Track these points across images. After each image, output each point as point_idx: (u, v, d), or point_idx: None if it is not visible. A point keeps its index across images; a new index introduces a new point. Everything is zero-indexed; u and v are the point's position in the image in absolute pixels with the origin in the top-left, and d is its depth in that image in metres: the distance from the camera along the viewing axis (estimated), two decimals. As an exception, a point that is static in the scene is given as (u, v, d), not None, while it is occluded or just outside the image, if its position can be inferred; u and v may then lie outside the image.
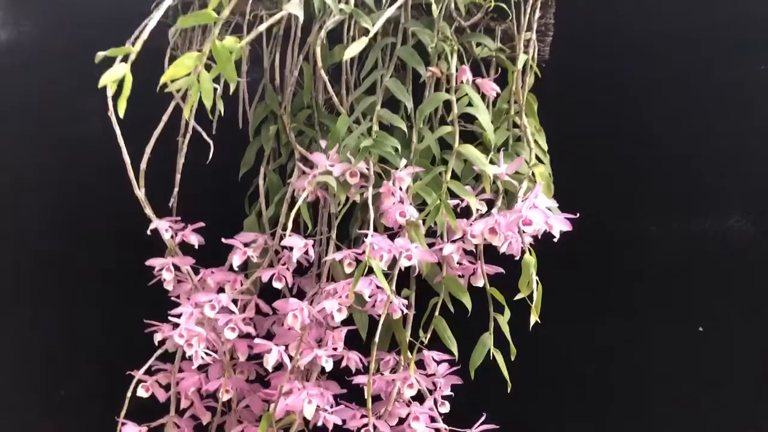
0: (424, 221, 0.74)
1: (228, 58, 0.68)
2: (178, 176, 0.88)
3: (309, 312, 0.73)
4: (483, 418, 0.79)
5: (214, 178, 0.92)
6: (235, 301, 0.78)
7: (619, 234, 0.94)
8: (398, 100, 0.80)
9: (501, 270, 0.78)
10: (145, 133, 0.79)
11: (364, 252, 0.73)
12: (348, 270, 0.75)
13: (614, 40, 0.96)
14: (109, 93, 0.68)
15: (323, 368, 0.75)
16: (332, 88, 0.88)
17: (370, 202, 0.73)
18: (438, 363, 0.79)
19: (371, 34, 0.74)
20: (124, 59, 0.65)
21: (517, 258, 0.75)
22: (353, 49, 0.72)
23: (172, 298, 0.82)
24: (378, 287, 0.73)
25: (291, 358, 0.75)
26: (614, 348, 0.94)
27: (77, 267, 1.00)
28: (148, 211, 0.82)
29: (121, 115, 0.66)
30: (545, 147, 0.87)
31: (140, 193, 0.81)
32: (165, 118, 0.83)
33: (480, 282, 0.79)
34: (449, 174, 0.73)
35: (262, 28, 0.72)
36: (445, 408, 0.80)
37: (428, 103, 0.75)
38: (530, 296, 0.71)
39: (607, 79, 0.96)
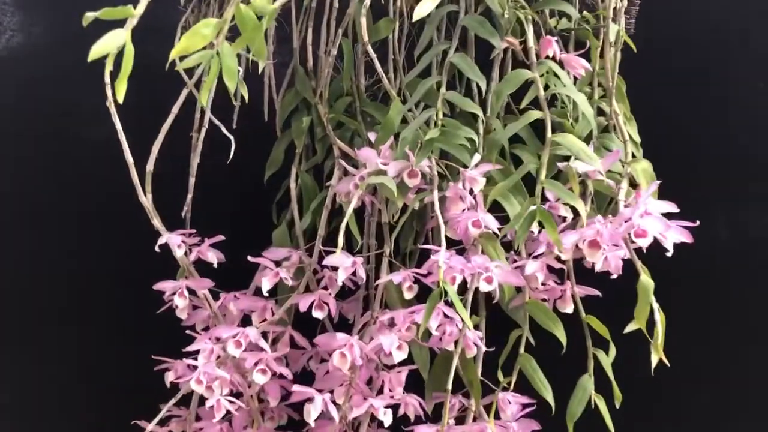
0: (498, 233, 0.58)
1: (257, 26, 0.53)
2: (192, 180, 0.73)
3: (360, 350, 0.58)
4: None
5: (234, 181, 0.77)
6: (264, 335, 0.63)
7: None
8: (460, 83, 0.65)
9: (597, 292, 0.63)
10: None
11: (428, 273, 0.58)
12: (408, 295, 0.60)
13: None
14: (107, 70, 0.52)
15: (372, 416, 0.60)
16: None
17: (437, 207, 0.57)
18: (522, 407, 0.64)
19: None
20: (123, 25, 0.50)
21: (614, 277, 0.59)
22: (426, 6, 0.56)
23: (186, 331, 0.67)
24: (446, 316, 0.58)
25: (337, 406, 0.60)
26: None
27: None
28: (156, 222, 0.67)
29: (121, 99, 0.51)
30: (638, 139, 0.72)
31: (146, 200, 0.66)
32: (175, 109, 0.69)
33: (569, 308, 0.63)
34: (544, 173, 0.57)
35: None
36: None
37: (507, 83, 0.59)
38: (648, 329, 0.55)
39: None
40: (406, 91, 0.69)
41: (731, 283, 0.81)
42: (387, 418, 0.58)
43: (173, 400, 0.64)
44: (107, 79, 0.65)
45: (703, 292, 0.80)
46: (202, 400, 0.67)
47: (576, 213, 0.63)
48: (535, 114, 0.59)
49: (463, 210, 0.59)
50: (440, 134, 0.57)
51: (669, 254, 0.58)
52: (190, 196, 0.72)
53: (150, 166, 0.67)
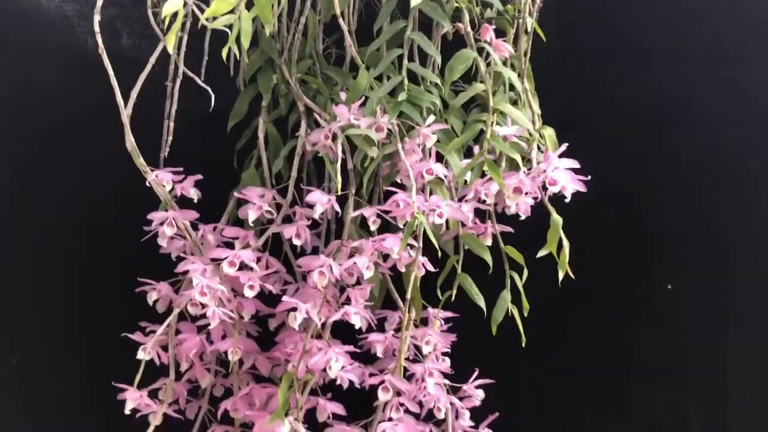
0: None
1: (267, 0, 0.64)
2: (170, 123, 0.82)
3: (336, 270, 0.71)
4: (476, 373, 0.81)
5: (198, 127, 0.87)
6: (246, 259, 0.74)
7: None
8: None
9: (510, 229, 0.80)
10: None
11: (388, 210, 0.72)
12: (372, 227, 0.73)
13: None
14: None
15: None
16: (330, 37, 0.86)
17: (402, 155, 0.71)
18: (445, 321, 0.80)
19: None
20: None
21: (523, 218, 0.77)
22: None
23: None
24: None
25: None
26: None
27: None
28: (141, 161, 0.76)
29: (171, 50, 0.61)
30: (539, 111, 0.89)
31: (130, 140, 0.75)
32: (152, 59, 0.78)
33: (489, 241, 0.80)
34: (489, 130, 0.73)
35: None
36: (446, 364, 0.81)
37: (457, 60, 0.74)
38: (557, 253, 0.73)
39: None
40: (360, 58, 0.82)
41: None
42: (358, 322, 0.72)
43: (170, 318, 0.74)
44: (96, 27, 0.74)
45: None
46: (181, 316, 0.77)
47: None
48: (480, 86, 0.75)
49: (417, 160, 0.74)
50: (407, 97, 0.71)
51: (567, 200, 0.76)
52: (169, 138, 0.81)
53: (129, 110, 0.76)
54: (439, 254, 0.74)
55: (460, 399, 0.81)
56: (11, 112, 0.92)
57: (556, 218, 0.73)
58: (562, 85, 0.93)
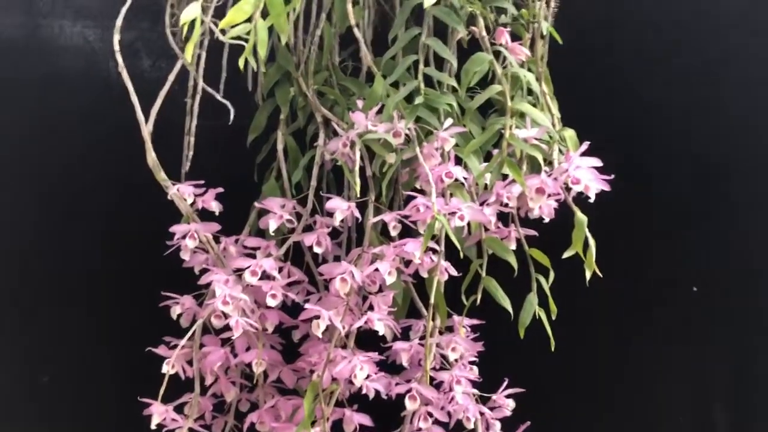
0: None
1: (282, 9, 0.65)
2: (191, 139, 0.83)
3: (358, 276, 0.71)
4: (506, 383, 0.80)
5: (218, 144, 0.88)
6: (268, 269, 0.74)
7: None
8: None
9: (534, 232, 0.79)
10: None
11: (408, 215, 0.72)
12: (393, 233, 0.73)
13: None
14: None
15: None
16: (346, 50, 0.87)
17: (421, 160, 0.71)
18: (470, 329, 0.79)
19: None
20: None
21: (547, 221, 0.76)
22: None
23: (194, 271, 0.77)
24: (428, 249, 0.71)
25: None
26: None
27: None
28: (162, 175, 0.77)
29: (189, 59, 0.61)
30: (558, 115, 0.89)
31: (152, 156, 0.75)
32: (172, 77, 0.79)
33: (513, 245, 0.79)
34: (508, 132, 0.72)
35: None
36: (473, 373, 0.79)
37: (473, 63, 0.74)
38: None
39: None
40: (376, 68, 0.82)
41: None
42: (381, 329, 0.71)
43: (192, 331, 0.74)
44: (116, 46, 0.76)
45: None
46: (204, 330, 0.77)
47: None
48: (497, 87, 0.74)
49: (437, 164, 0.73)
50: (424, 101, 0.71)
51: (591, 200, 0.75)
52: (190, 153, 0.82)
53: (150, 127, 0.77)
54: (462, 256, 0.74)
55: (491, 409, 0.79)
56: (38, 137, 0.94)
57: (581, 217, 0.72)
58: (582, 89, 0.92)
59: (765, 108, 0.96)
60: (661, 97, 0.95)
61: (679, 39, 0.95)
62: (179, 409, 0.76)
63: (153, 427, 0.74)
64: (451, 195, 0.74)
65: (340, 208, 0.73)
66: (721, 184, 0.95)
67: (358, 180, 0.70)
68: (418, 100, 0.71)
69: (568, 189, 0.74)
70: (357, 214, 0.74)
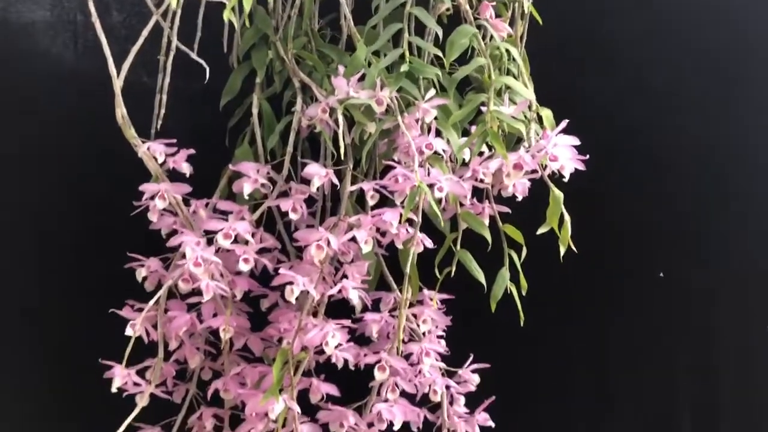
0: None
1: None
2: (163, 97, 0.80)
3: (335, 243, 0.69)
4: (471, 359, 0.80)
5: (190, 107, 0.86)
6: (237, 233, 0.72)
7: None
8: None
9: (508, 209, 0.79)
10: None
11: (386, 185, 0.71)
12: (371, 202, 0.72)
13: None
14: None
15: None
16: (324, 18, 0.85)
17: (404, 129, 0.70)
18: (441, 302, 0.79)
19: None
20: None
21: (520, 199, 0.76)
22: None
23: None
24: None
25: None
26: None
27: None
28: (131, 132, 0.74)
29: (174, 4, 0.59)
30: (533, 97, 0.89)
31: (121, 110, 0.73)
32: (145, 33, 0.76)
33: (486, 221, 0.79)
34: (492, 103, 0.72)
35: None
36: (442, 346, 0.79)
37: (458, 34, 0.74)
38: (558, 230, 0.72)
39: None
40: (359, 35, 0.81)
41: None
42: (354, 297, 0.71)
43: (158, 294, 0.72)
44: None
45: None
46: (170, 294, 0.75)
47: (490, 149, 0.80)
48: (480, 60, 0.74)
49: (417, 135, 0.73)
50: (409, 69, 0.70)
51: (565, 179, 0.76)
52: (162, 111, 0.79)
53: (121, 81, 0.74)
54: (441, 226, 0.73)
55: (457, 383, 0.80)
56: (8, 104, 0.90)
57: (558, 194, 0.72)
58: (560, 72, 0.93)
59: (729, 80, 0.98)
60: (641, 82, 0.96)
61: (658, 19, 0.96)
62: (141, 374, 0.74)
63: (113, 390, 0.72)
64: (431, 166, 0.73)
65: (318, 174, 0.72)
66: (691, 166, 0.97)
67: (341, 145, 0.69)
68: (404, 67, 0.70)
69: (543, 167, 0.74)
70: (336, 180, 0.72)
